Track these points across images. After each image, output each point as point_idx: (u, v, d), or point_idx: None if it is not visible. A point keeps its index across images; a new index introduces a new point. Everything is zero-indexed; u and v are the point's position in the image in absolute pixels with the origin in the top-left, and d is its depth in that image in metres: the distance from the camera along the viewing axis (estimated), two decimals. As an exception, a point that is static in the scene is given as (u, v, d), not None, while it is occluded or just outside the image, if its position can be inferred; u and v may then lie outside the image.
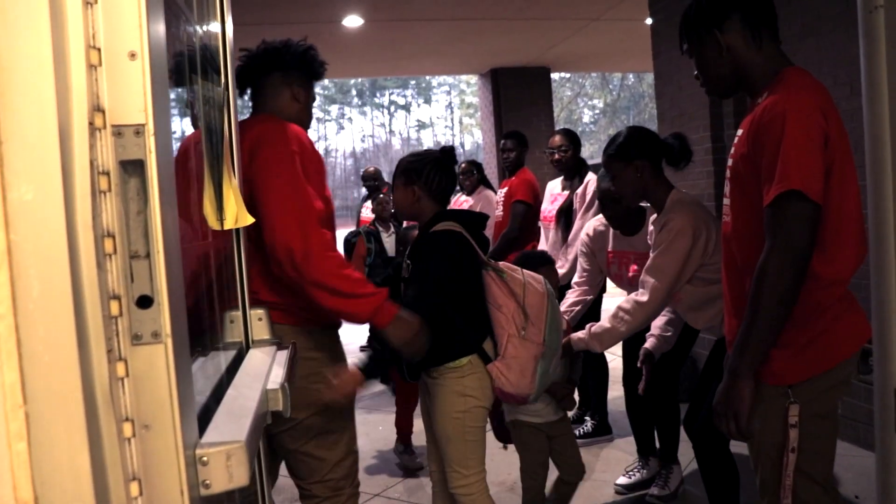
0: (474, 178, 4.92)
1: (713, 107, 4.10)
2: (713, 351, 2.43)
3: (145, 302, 0.66)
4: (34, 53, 0.57)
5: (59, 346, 0.57)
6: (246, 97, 1.90)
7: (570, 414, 2.72)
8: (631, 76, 30.95)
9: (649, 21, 4.84)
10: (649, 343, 2.60)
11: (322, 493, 1.83)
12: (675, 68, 4.34)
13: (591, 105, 37.95)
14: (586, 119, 38.29)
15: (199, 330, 1.02)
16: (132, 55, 0.66)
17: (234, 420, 0.83)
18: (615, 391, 3.80)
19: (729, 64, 1.59)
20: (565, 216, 3.82)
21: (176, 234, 0.74)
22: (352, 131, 50.34)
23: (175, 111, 0.94)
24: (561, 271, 3.40)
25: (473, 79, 12.36)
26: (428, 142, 47.04)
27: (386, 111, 48.98)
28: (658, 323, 2.58)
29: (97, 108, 0.64)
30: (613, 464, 3.26)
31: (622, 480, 3.01)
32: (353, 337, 5.78)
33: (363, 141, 50.14)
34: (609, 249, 2.91)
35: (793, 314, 1.46)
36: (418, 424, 2.07)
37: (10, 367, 0.56)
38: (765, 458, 1.54)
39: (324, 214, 1.75)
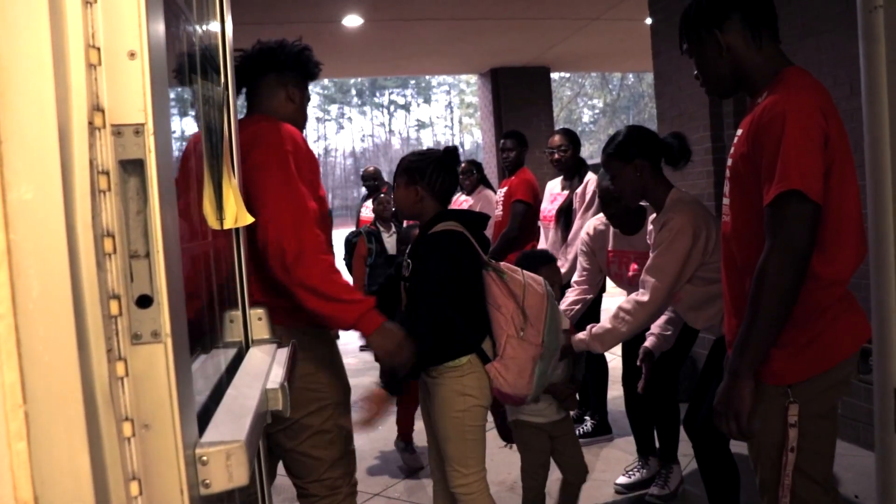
0: (474, 177, 4.92)
1: (713, 107, 4.10)
2: (712, 350, 2.43)
3: (145, 301, 0.66)
4: (34, 53, 0.57)
5: (58, 346, 0.57)
6: (241, 97, 1.91)
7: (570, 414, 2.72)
8: (631, 76, 30.96)
9: (649, 21, 4.84)
10: (649, 342, 2.60)
11: (319, 492, 1.83)
12: (675, 68, 4.34)
13: (590, 105, 37.96)
14: (586, 119, 38.30)
15: (201, 330, 1.02)
16: (132, 55, 0.66)
17: (234, 420, 0.83)
18: (615, 391, 3.80)
19: (729, 64, 1.59)
20: (565, 216, 3.82)
21: (176, 234, 0.74)
22: (351, 131, 50.36)
23: (175, 111, 0.94)
24: (561, 271, 3.40)
25: (473, 78, 12.36)
26: (428, 141, 47.04)
27: (386, 111, 48.98)
28: (658, 322, 2.58)
29: (97, 108, 0.64)
30: (613, 463, 3.26)
31: (622, 480, 3.01)
32: (353, 337, 5.78)
33: (363, 140, 50.15)
34: (609, 248, 2.91)
35: (793, 314, 1.46)
36: (419, 423, 2.08)
37: (10, 366, 0.56)
38: (764, 458, 1.54)
39: (318, 215, 1.75)
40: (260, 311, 1.30)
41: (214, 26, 1.29)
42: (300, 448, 1.81)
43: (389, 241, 4.73)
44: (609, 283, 3.18)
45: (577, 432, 3.39)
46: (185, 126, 1.10)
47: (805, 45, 3.33)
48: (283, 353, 1.24)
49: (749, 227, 1.54)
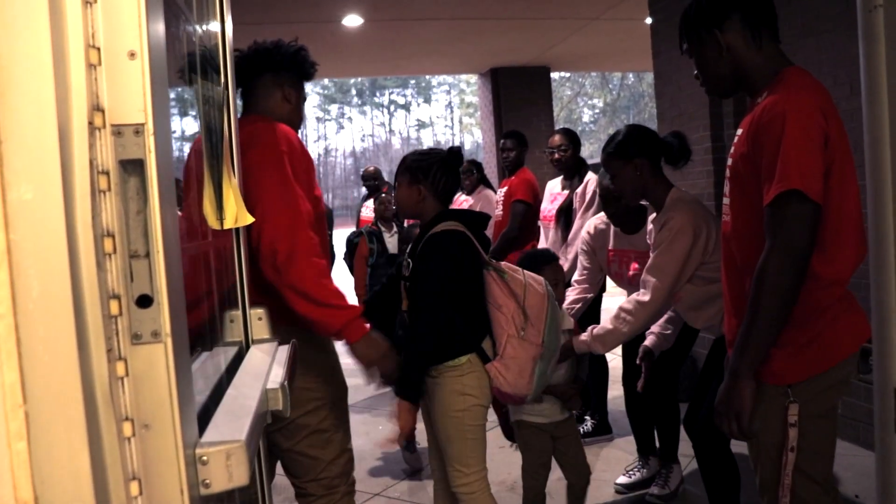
0: (474, 177, 4.92)
1: (713, 106, 4.10)
2: (712, 350, 2.43)
3: (145, 301, 0.66)
4: (34, 53, 0.57)
5: (58, 346, 0.57)
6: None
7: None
8: (631, 76, 30.96)
9: (649, 20, 4.84)
10: (649, 341, 2.60)
11: (317, 492, 1.84)
12: (675, 68, 4.34)
13: (590, 104, 37.97)
14: (586, 118, 38.30)
15: (204, 329, 1.02)
16: (132, 55, 0.66)
17: (234, 419, 0.83)
18: (615, 390, 3.80)
19: (729, 64, 1.59)
20: (565, 215, 3.82)
21: (176, 234, 0.74)
22: (352, 131, 50.36)
23: (175, 111, 0.94)
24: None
25: (473, 78, 12.37)
26: (428, 141, 47.05)
27: (386, 111, 48.99)
28: (658, 321, 2.58)
29: (97, 108, 0.64)
30: (613, 463, 3.26)
31: (622, 480, 3.01)
32: (353, 336, 5.75)
33: (363, 140, 50.16)
34: (609, 248, 2.91)
35: (792, 314, 1.46)
36: (420, 423, 2.09)
37: (10, 366, 0.56)
38: (764, 458, 1.54)
39: (313, 216, 1.75)
40: (260, 311, 1.30)
41: (214, 26, 1.29)
42: (297, 447, 1.81)
43: (391, 241, 4.72)
44: (609, 282, 3.18)
45: (578, 432, 3.39)
46: (185, 126, 1.10)
47: (805, 44, 3.33)
48: (284, 353, 1.24)
49: (749, 226, 1.54)
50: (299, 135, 1.91)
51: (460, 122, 44.80)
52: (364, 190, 6.64)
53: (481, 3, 5.68)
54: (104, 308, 0.62)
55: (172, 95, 0.88)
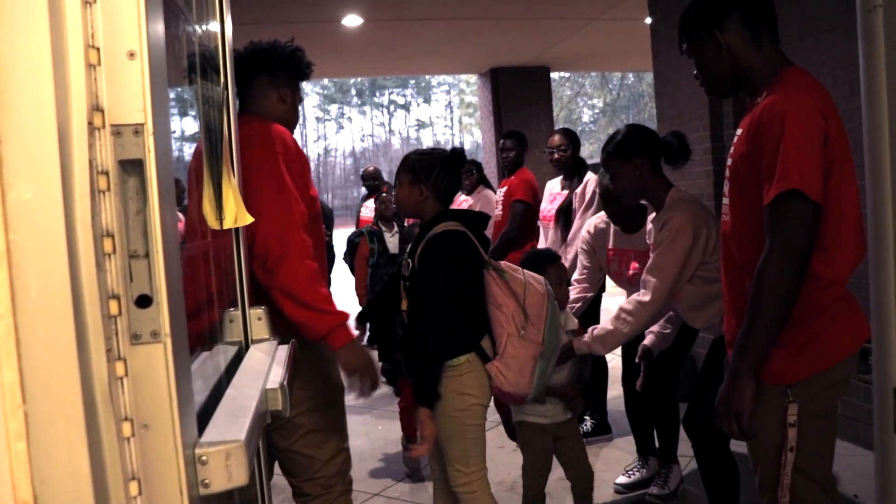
0: (474, 177, 4.92)
1: (712, 106, 4.10)
2: (711, 350, 2.43)
3: (144, 301, 0.66)
4: (33, 53, 0.57)
5: (58, 346, 0.57)
6: None
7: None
8: (630, 76, 30.95)
9: (649, 20, 4.84)
10: (648, 340, 2.60)
11: (313, 491, 1.84)
12: (675, 68, 4.34)
13: (590, 104, 37.97)
14: (586, 118, 38.31)
15: (207, 328, 1.02)
16: (131, 55, 0.66)
17: (234, 419, 0.83)
18: (614, 390, 3.80)
19: (728, 64, 1.59)
20: (564, 215, 3.83)
21: (175, 234, 0.74)
22: (351, 131, 50.37)
23: (174, 111, 0.94)
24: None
25: (473, 78, 12.36)
26: (427, 141, 47.06)
27: (385, 110, 49.00)
28: (658, 321, 2.58)
29: (96, 108, 0.64)
30: (613, 463, 3.26)
31: (622, 480, 3.01)
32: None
33: (363, 140, 50.17)
34: (609, 247, 2.92)
35: (792, 314, 1.46)
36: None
37: (9, 366, 0.56)
38: (764, 457, 1.55)
39: (307, 217, 1.75)
40: (259, 311, 1.30)
41: (214, 26, 1.29)
42: (294, 447, 1.81)
43: (392, 241, 4.72)
44: (609, 282, 3.18)
45: (577, 432, 3.39)
46: (185, 126, 1.10)
47: (805, 44, 3.33)
48: (283, 353, 1.24)
49: (748, 226, 1.54)
50: (298, 134, 1.91)
51: (460, 122, 44.81)
52: (364, 190, 6.65)
53: (481, 3, 5.68)
54: (103, 308, 0.62)
55: (172, 95, 0.88)
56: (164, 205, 0.67)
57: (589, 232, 2.98)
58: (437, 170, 2.02)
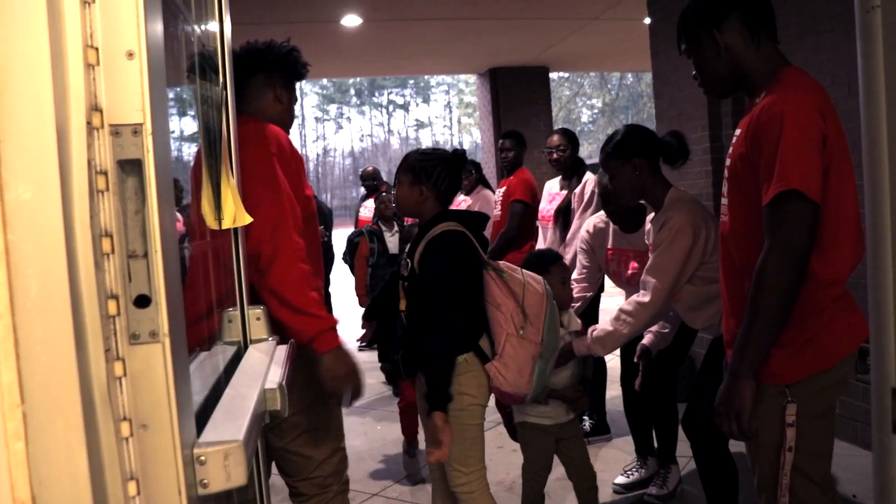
0: (473, 177, 4.92)
1: (711, 106, 4.11)
2: (710, 350, 2.43)
3: (143, 301, 0.66)
4: (32, 53, 0.57)
5: (56, 346, 0.57)
6: None
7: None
8: (629, 76, 30.97)
9: (648, 21, 4.84)
10: (646, 339, 2.61)
11: (309, 491, 1.84)
12: (674, 68, 4.34)
13: (589, 104, 37.99)
14: (585, 118, 38.34)
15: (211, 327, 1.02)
16: (130, 54, 0.65)
17: (232, 419, 0.83)
18: (613, 391, 3.80)
19: (727, 64, 1.59)
20: (563, 216, 3.83)
21: (174, 234, 0.74)
22: (350, 131, 50.38)
23: (173, 111, 0.94)
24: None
25: (472, 78, 12.36)
26: (426, 141, 47.07)
27: (384, 111, 49.01)
28: (658, 321, 2.58)
29: (95, 108, 0.64)
30: (612, 463, 3.26)
31: (620, 480, 3.02)
32: (352, 337, 5.78)
33: (362, 140, 50.17)
34: (608, 247, 2.92)
35: (791, 314, 1.46)
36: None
37: (8, 366, 0.56)
38: (762, 457, 1.55)
39: (301, 218, 1.74)
40: (258, 311, 1.30)
41: (213, 26, 1.29)
42: (289, 447, 1.81)
43: (392, 241, 4.73)
44: (608, 282, 3.18)
45: (576, 432, 3.39)
46: (184, 126, 1.10)
47: (803, 45, 3.33)
48: (282, 353, 1.24)
49: (747, 227, 1.54)
50: (297, 134, 1.91)
51: (459, 122, 44.83)
52: (363, 190, 6.65)
53: (480, 3, 5.68)
54: (102, 308, 0.62)
55: (171, 95, 0.88)
56: (162, 205, 0.67)
57: (588, 231, 2.98)
58: (437, 171, 2.02)
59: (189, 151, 1.38)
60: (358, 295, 4.63)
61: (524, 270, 2.11)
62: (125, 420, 0.64)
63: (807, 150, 1.41)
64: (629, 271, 2.82)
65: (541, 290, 2.06)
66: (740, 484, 2.30)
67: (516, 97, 8.41)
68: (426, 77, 38.34)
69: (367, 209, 5.90)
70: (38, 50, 0.57)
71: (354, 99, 47.55)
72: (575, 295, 2.90)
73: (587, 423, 3.62)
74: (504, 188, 4.41)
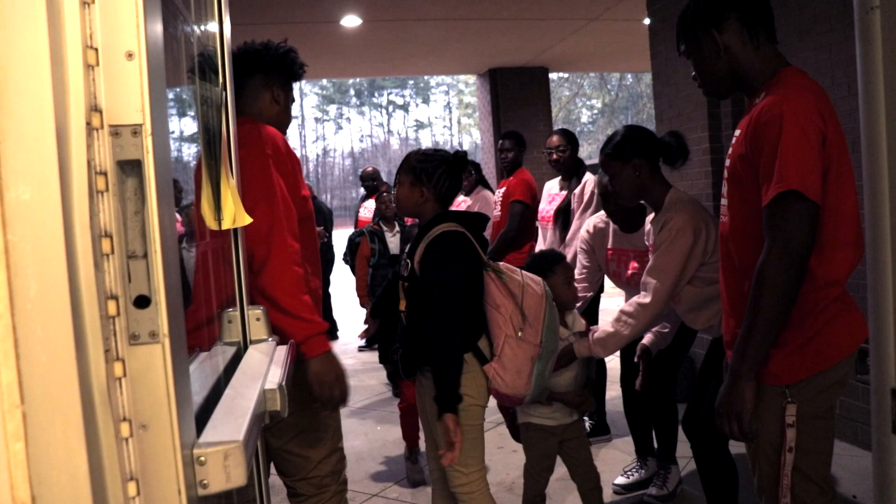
0: (472, 178, 4.92)
1: (711, 107, 4.11)
2: (710, 350, 2.43)
3: (143, 302, 0.66)
4: (31, 53, 0.57)
5: (56, 346, 0.57)
6: None
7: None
8: (629, 76, 30.98)
9: (647, 21, 4.85)
10: (646, 339, 2.61)
11: (307, 491, 1.84)
12: (673, 69, 4.35)
13: (589, 105, 38.01)
14: (584, 119, 38.36)
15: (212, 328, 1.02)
16: (129, 55, 0.65)
17: (232, 420, 0.83)
18: (613, 391, 3.80)
19: (726, 64, 1.60)
20: (563, 216, 3.83)
21: (174, 235, 0.74)
22: (350, 131, 50.40)
23: (173, 111, 0.94)
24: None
25: (472, 79, 12.36)
26: (426, 141, 47.09)
27: (384, 111, 49.03)
28: (659, 322, 2.58)
29: (94, 108, 0.64)
30: (611, 464, 3.26)
31: (620, 480, 3.02)
32: (352, 337, 5.77)
33: (361, 141, 50.20)
34: (608, 247, 2.92)
35: (791, 314, 1.46)
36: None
37: (8, 366, 0.56)
38: (762, 458, 1.55)
39: (297, 219, 1.74)
40: (258, 311, 1.30)
41: (213, 26, 1.29)
42: (287, 447, 1.81)
43: (393, 241, 4.72)
44: (608, 282, 3.19)
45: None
46: (184, 126, 1.10)
47: (803, 45, 3.34)
48: (282, 353, 1.24)
49: (747, 227, 1.54)
50: (297, 135, 1.91)
51: (459, 122, 44.85)
52: (362, 190, 6.65)
53: (480, 3, 5.68)
54: (102, 308, 0.62)
55: (170, 96, 0.88)
56: (162, 205, 0.67)
57: (588, 231, 2.98)
58: (438, 172, 2.02)
59: (189, 152, 1.38)
60: (359, 295, 4.64)
61: (523, 272, 2.11)
62: (125, 420, 0.64)
63: (806, 151, 1.41)
64: (629, 271, 2.82)
65: (540, 292, 2.06)
66: (740, 485, 2.30)
67: (516, 98, 8.41)
68: (426, 77, 38.38)
69: (367, 209, 5.90)
70: (37, 50, 0.57)
71: (354, 99, 47.58)
72: (575, 294, 2.91)
73: (587, 424, 3.62)
74: (504, 189, 4.41)
